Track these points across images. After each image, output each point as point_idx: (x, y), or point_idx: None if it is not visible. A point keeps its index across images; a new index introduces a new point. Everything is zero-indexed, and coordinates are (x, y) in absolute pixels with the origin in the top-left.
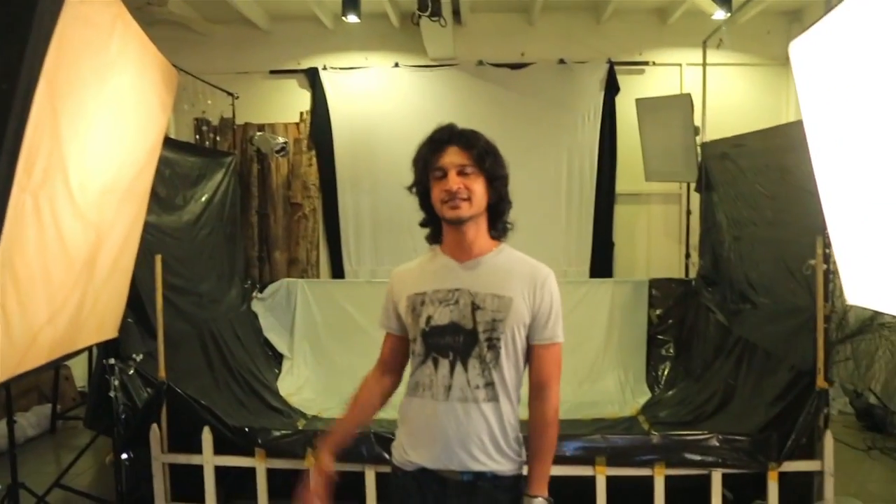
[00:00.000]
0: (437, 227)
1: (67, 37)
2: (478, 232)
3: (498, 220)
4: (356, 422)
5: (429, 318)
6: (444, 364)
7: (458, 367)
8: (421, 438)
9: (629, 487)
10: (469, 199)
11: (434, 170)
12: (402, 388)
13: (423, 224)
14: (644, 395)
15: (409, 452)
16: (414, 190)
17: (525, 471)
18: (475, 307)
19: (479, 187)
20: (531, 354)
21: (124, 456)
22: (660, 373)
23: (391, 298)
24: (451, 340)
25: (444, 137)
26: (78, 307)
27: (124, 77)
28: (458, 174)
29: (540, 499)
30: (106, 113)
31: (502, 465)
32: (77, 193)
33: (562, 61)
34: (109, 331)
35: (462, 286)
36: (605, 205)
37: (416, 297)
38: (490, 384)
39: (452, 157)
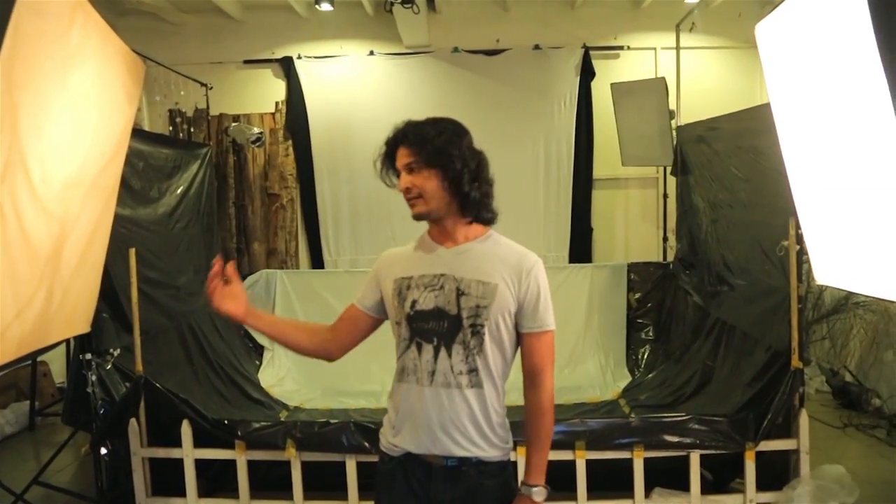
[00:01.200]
0: None
1: (23, 28)
2: (456, 222)
3: (469, 208)
4: (281, 323)
5: (414, 303)
6: (428, 349)
7: (442, 353)
8: (406, 423)
9: (608, 471)
10: (420, 196)
11: (396, 173)
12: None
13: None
14: (624, 379)
15: (396, 437)
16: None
17: (512, 457)
18: (460, 293)
19: (429, 183)
20: (522, 343)
21: (103, 451)
22: (639, 356)
23: (376, 278)
24: (435, 326)
25: (394, 141)
26: (46, 302)
27: (86, 69)
28: (408, 173)
29: (539, 488)
30: (68, 105)
31: (487, 452)
32: (39, 187)
33: (537, 47)
34: (81, 325)
35: (447, 272)
36: (583, 190)
37: (403, 280)
38: (474, 370)
39: (402, 158)
